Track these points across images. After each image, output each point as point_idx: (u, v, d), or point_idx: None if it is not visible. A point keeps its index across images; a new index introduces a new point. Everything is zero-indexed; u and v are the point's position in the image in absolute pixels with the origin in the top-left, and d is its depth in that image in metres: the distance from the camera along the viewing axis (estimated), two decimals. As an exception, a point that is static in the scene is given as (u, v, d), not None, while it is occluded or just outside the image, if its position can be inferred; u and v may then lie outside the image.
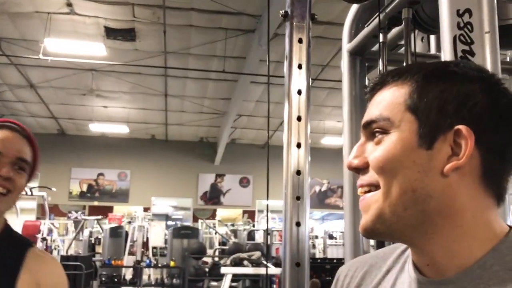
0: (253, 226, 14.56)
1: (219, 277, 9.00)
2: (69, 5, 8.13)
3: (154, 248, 12.02)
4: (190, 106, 12.97)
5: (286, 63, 1.54)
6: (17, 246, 1.18)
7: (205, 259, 10.02)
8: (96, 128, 14.09)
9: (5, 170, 1.10)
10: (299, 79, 1.50)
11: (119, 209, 15.52)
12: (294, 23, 1.52)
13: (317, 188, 16.53)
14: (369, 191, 0.70)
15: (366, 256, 0.87)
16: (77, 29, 8.99)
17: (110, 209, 15.32)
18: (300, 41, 1.51)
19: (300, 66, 1.50)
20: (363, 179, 0.71)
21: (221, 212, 18.02)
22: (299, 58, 1.51)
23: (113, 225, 10.68)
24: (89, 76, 10.90)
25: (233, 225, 14.93)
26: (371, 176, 0.69)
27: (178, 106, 13.10)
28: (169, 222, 16.21)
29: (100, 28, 8.99)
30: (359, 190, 0.72)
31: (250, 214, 16.76)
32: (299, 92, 1.49)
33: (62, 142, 15.45)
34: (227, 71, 10.22)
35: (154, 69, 10.53)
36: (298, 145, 1.45)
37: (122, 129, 14.10)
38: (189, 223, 16.67)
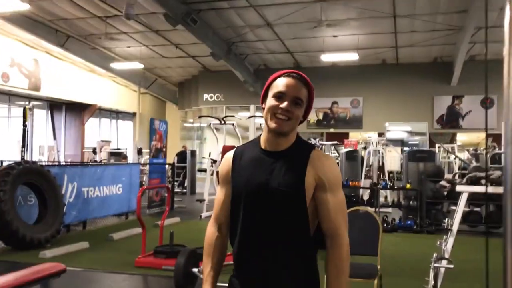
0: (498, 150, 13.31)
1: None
2: None
3: (390, 172, 12.20)
4: (421, 24, 12.23)
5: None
6: (305, 149, 1.67)
7: (443, 183, 9.72)
8: (327, 58, 14.53)
9: (286, 104, 1.62)
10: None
11: (354, 136, 16.08)
12: None
13: None
14: None
15: None
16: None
17: (345, 135, 16.00)
18: None
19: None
20: None
21: (461, 137, 16.93)
22: None
23: (349, 149, 11.17)
24: (318, 8, 11.24)
25: (475, 150, 13.93)
26: None
27: (408, 26, 12.50)
28: (405, 148, 16.05)
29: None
30: None
31: (495, 138, 15.29)
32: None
33: (298, 74, 16.49)
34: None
35: (380, -10, 10.22)
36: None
37: (352, 57, 14.23)
38: (425, 149, 16.22)
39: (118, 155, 14.03)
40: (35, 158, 13.06)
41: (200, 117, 14.97)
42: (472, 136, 17.55)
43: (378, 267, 3.85)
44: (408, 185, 8.82)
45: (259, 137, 1.74)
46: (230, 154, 1.79)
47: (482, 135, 17.37)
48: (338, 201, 1.63)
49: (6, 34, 13.91)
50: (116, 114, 20.84)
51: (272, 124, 1.62)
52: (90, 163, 10.73)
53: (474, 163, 10.75)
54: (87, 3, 11.71)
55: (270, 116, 1.64)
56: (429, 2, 10.95)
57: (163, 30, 13.52)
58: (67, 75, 16.35)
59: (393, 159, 13.16)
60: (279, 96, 1.63)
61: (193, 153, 15.69)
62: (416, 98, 15.67)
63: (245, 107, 17.51)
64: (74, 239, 7.10)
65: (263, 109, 1.70)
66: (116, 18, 12.64)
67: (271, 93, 1.67)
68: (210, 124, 10.54)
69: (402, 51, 14.72)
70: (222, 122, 10.28)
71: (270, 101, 1.65)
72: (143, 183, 11.17)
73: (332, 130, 16.69)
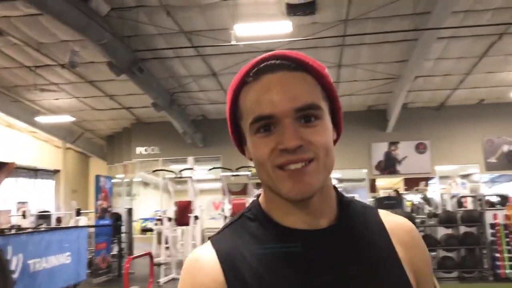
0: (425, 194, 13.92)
1: (433, 246, 8.63)
2: (256, -13, 8.29)
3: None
4: (362, 74, 12.60)
5: None
6: (366, 212, 0.93)
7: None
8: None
9: (289, 137, 0.82)
10: None
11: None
12: None
13: (505, 148, 15.02)
14: None
15: None
16: (260, 11, 9.18)
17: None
18: None
19: None
20: None
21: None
22: None
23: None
24: (267, 57, 11.14)
25: (419, 191, 14.51)
26: None
27: (350, 75, 12.81)
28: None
29: (281, 6, 9.06)
30: None
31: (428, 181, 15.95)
32: None
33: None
34: (409, 29, 9.63)
35: (330, 40, 10.36)
36: None
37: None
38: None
39: (46, 218, 12.52)
40: None
41: (154, 171, 14.00)
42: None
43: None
44: (381, 233, 8.59)
45: (254, 209, 0.90)
46: (206, 261, 0.82)
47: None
48: None
49: None
50: (34, 173, 18.97)
51: (285, 188, 0.80)
52: (36, 230, 9.36)
53: (428, 208, 10.91)
54: (16, 52, 10.64)
55: (270, 172, 0.81)
56: (372, 52, 11.31)
57: (98, 81, 12.68)
58: (-19, 131, 14.64)
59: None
60: (265, 126, 0.81)
61: (129, 211, 14.47)
62: (354, 145, 15.95)
63: (183, 159, 16.73)
64: (26, 324, 5.89)
65: (242, 152, 0.90)
66: (47, 68, 11.62)
67: (246, 121, 0.83)
68: (164, 178, 9.71)
69: (340, 100, 15.03)
70: (179, 175, 9.53)
71: (255, 143, 0.82)
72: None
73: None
